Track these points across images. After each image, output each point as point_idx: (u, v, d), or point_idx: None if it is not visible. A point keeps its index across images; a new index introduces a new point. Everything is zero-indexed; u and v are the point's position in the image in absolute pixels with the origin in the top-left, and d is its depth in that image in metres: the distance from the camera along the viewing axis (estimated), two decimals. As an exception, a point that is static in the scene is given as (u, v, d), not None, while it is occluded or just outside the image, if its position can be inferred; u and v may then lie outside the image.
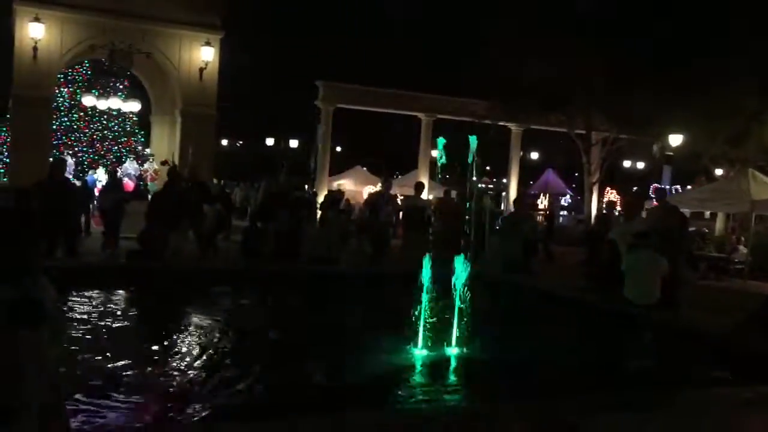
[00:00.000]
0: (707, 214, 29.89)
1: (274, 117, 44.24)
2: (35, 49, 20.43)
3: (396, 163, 41.51)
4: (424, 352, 6.42)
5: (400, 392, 5.36)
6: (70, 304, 7.29)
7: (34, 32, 20.35)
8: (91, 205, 17.76)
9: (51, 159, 19.04)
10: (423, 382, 5.81)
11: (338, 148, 39.51)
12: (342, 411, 4.22)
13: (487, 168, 57.41)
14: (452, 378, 6.00)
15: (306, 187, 30.72)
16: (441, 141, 7.77)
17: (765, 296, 10.15)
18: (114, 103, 24.13)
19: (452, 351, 6.53)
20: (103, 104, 24.22)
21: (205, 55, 22.72)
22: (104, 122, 27.13)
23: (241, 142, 54.80)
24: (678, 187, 34.57)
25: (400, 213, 13.20)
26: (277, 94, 43.93)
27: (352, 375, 5.55)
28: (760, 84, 20.41)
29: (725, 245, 19.00)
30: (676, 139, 22.88)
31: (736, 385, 5.50)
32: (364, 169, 37.26)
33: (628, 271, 8.33)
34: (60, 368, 3.82)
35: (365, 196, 21.40)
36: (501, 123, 30.09)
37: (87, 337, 6.33)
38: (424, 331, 6.53)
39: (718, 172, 26.95)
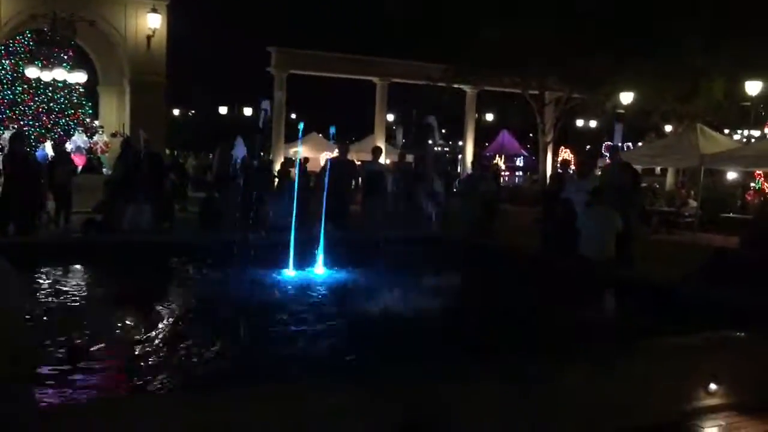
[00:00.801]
0: (658, 169, 30.64)
1: (227, 85, 43.57)
2: (-27, 20, 19.66)
3: (351, 128, 41.33)
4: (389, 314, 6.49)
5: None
6: (30, 280, 7.15)
7: (-29, 2, 19.55)
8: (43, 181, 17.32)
9: (7, 133, 18.51)
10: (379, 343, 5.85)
11: (293, 115, 39.11)
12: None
13: (443, 131, 57.56)
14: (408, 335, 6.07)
15: (262, 154, 30.41)
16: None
17: (713, 248, 10.52)
18: (59, 74, 23.40)
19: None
20: (47, 76, 23.46)
21: (152, 22, 22.16)
22: (50, 94, 26.31)
23: (193, 112, 53.85)
24: (629, 144, 35.20)
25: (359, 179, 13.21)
26: (229, 61, 43.20)
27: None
28: (706, 42, 20.80)
29: (675, 200, 19.52)
30: (627, 97, 23.26)
31: (686, 334, 5.71)
32: (320, 135, 37.00)
33: (583, 229, 8.52)
34: (25, 344, 3.79)
35: (322, 162, 21.29)
36: (455, 85, 30.16)
37: (50, 312, 6.26)
38: (387, 291, 6.61)
39: (668, 128, 27.53)
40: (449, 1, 25.13)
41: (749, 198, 21.43)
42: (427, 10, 26.45)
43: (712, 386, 4.76)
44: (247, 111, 40.02)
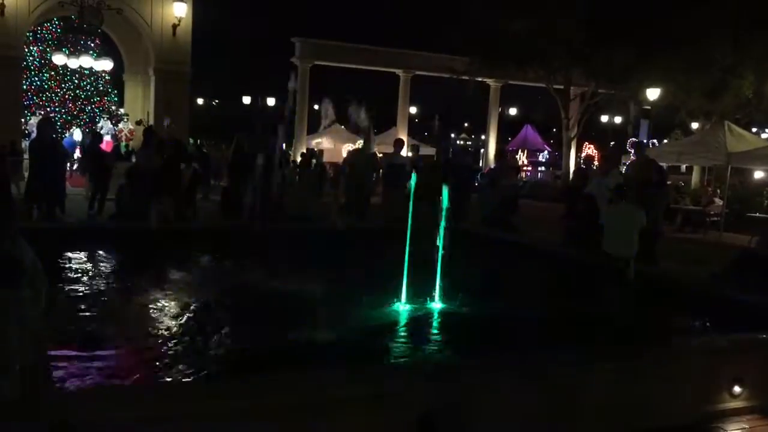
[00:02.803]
0: (683, 167, 30.20)
1: (250, 75, 43.70)
2: (2, 6, 19.88)
3: (375, 120, 41.25)
4: (407, 306, 6.47)
5: (383, 346, 5.41)
6: (55, 266, 7.22)
7: (0, -11, 19.77)
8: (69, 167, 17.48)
9: (34, 119, 18.70)
10: (406, 336, 5.85)
11: (316, 107, 39.09)
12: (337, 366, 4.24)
13: (466, 125, 57.31)
14: (434, 332, 6.05)
15: (284, 146, 30.47)
16: None
17: (739, 248, 10.35)
18: (85, 61, 23.60)
19: (434, 305, 6.58)
20: (74, 63, 23.68)
21: (178, 11, 22.25)
22: (76, 81, 26.64)
23: (216, 101, 54.07)
24: (655, 141, 34.77)
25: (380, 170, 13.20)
26: (253, 51, 43.30)
27: (343, 329, 5.59)
28: (735, 37, 20.44)
29: (701, 198, 19.22)
30: (653, 93, 22.92)
31: (711, 334, 5.62)
32: (343, 127, 36.98)
33: (607, 225, 8.40)
34: (43, 329, 3.81)
35: (344, 154, 21.29)
36: (479, 79, 29.97)
37: (73, 298, 6.30)
38: (406, 285, 6.57)
39: (695, 126, 27.12)
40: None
41: (777, 198, 21.03)
42: (452, 2, 26.33)
43: (737, 388, 4.67)
44: (270, 101, 40.07)
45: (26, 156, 13.87)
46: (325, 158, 29.29)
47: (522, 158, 44.11)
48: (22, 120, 22.90)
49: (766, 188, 22.05)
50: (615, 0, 22.64)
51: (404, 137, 30.07)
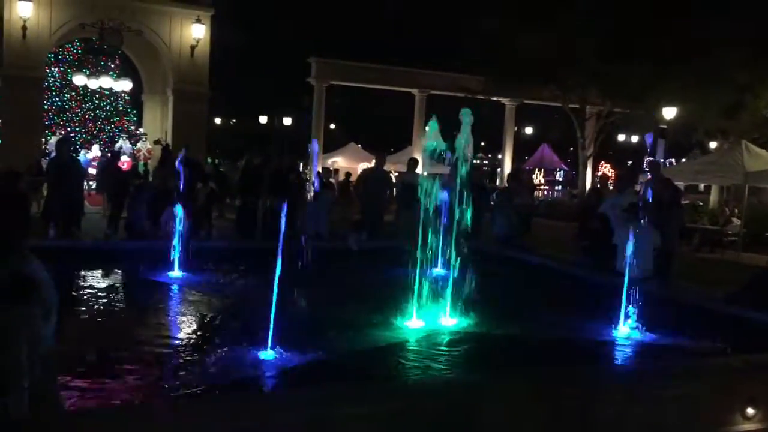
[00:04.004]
0: (702, 187, 29.98)
1: (267, 95, 44.03)
2: (24, 28, 20.22)
3: (390, 139, 41.39)
4: (419, 325, 6.45)
5: (394, 365, 5.40)
6: (67, 283, 7.29)
7: (23, 11, 20.13)
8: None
9: (54, 138, 18.96)
10: (419, 355, 5.82)
11: (332, 126, 39.35)
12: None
13: (482, 144, 57.29)
14: (447, 352, 6.02)
15: (300, 165, 30.65)
16: (433, 125, 7.30)
17: (757, 268, 10.24)
18: (105, 82, 24.00)
19: (448, 324, 6.56)
20: (94, 83, 24.09)
21: (196, 32, 22.55)
22: (96, 102, 27.06)
23: (234, 121, 54.49)
24: (672, 160, 34.56)
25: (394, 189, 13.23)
26: (270, 71, 43.66)
27: (350, 348, 5.60)
28: (753, 56, 20.34)
29: (718, 217, 19.05)
30: (670, 112, 22.82)
31: (726, 355, 5.56)
32: (359, 146, 37.17)
33: (620, 244, 8.36)
34: (53, 347, 3.84)
35: (359, 172, 21.35)
36: (495, 98, 30.01)
37: (86, 317, 6.36)
38: (418, 305, 6.56)
39: (713, 145, 26.94)
40: (489, 14, 25.01)
41: (796, 217, 20.78)
42: (467, 22, 26.44)
43: (750, 410, 4.60)
44: (287, 121, 40.35)
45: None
46: (341, 177, 29.42)
47: (538, 177, 44.04)
48: (43, 140, 23.24)
49: (784, 208, 21.83)
50: (631, 18, 22.57)
51: (419, 156, 30.10)
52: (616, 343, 6.20)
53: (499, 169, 37.41)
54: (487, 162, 56.12)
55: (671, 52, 21.49)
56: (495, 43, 24.49)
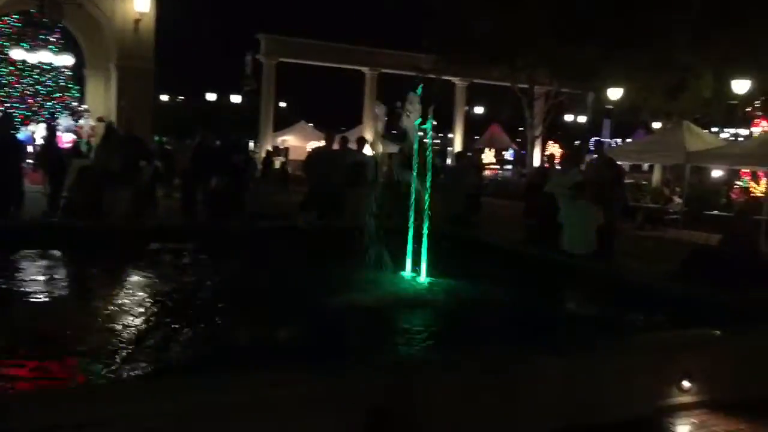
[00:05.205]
0: (646, 166, 30.71)
1: (215, 71, 43.30)
2: (-43, -1, 19.37)
3: (342, 118, 41.22)
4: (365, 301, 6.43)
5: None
6: (6, 265, 7.08)
7: (-44, -19, 19.28)
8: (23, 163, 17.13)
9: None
10: (364, 332, 5.82)
11: (282, 104, 38.91)
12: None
13: (433, 123, 57.44)
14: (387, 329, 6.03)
15: (252, 144, 30.24)
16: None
17: (694, 246, 10.55)
18: (45, 56, 23.22)
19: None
20: (33, 58, 23.28)
21: (140, 5, 21.93)
22: (36, 77, 26.15)
23: (182, 98, 53.46)
24: (618, 140, 35.22)
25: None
26: (219, 48, 42.91)
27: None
28: (694, 37, 20.79)
29: (661, 196, 19.56)
30: (615, 93, 23.25)
31: (661, 330, 5.71)
32: (311, 125, 36.89)
33: (565, 222, 8.50)
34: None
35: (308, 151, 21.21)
36: (445, 77, 30.08)
37: (25, 300, 6.17)
38: (365, 283, 6.57)
39: (656, 125, 27.58)
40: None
41: (734, 196, 21.50)
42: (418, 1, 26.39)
43: (686, 383, 4.74)
44: (235, 98, 39.79)
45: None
46: (291, 156, 29.19)
47: (489, 156, 44.43)
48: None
49: (723, 186, 22.54)
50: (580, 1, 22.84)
51: (369, 136, 30.04)
52: (558, 320, 6.31)
53: (449, 148, 37.62)
54: (438, 141, 56.33)
55: (618, 34, 21.82)
56: (446, 23, 24.53)
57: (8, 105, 24.88)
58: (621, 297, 6.53)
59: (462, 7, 24.32)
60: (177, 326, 5.46)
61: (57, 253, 7.91)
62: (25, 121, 24.54)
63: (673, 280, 7.12)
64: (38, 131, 22.58)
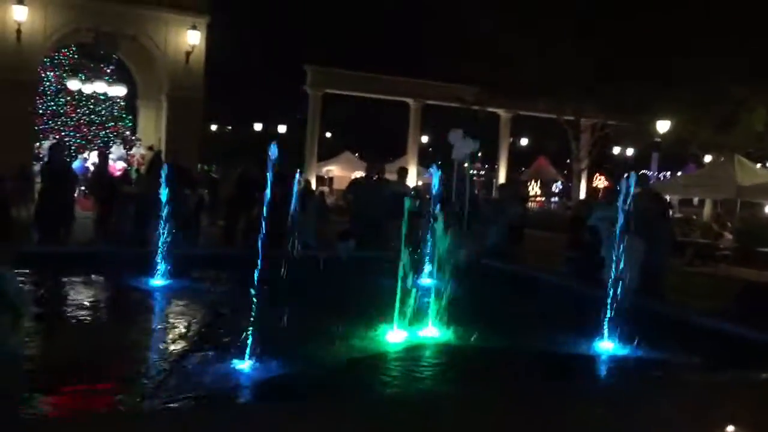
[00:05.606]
0: (696, 200, 30.02)
1: (262, 102, 44.10)
2: (19, 31, 20.21)
3: (388, 149, 41.43)
4: (404, 336, 6.35)
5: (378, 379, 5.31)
6: (48, 289, 7.21)
7: (18, 15, 20.15)
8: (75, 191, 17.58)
9: (48, 143, 18.91)
10: (404, 368, 5.72)
11: (328, 134, 39.33)
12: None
13: (479, 154, 57.37)
14: (433, 364, 5.93)
15: (299, 172, 30.53)
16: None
17: (744, 282, 10.20)
18: (100, 87, 23.98)
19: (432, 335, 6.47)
20: (88, 88, 24.07)
21: (192, 38, 22.56)
22: (91, 107, 26.97)
23: (229, 127, 54.51)
24: (668, 173, 34.54)
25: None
26: (265, 79, 43.79)
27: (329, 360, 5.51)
28: (748, 70, 20.40)
29: (711, 231, 19.03)
30: (664, 126, 22.86)
31: (713, 370, 5.49)
32: (355, 155, 37.20)
33: (608, 257, 8.30)
34: (21, 353, 3.77)
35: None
36: (490, 109, 30.06)
37: (66, 324, 6.26)
38: (402, 315, 6.47)
39: (707, 159, 27.00)
40: (486, 26, 25.06)
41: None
42: (464, 34, 26.50)
43: (730, 428, 4.53)
44: (282, 128, 40.40)
45: (38, 180, 14.02)
46: (336, 185, 29.41)
47: (535, 188, 44.10)
48: (36, 144, 23.17)
49: (777, 222, 21.82)
50: (626, 35, 22.63)
51: (414, 166, 30.15)
52: (597, 357, 6.13)
53: (494, 180, 37.45)
54: (483, 173, 56.17)
55: (667, 69, 21.54)
56: (492, 57, 24.56)
57: (64, 134, 25.69)
58: (666, 335, 6.32)
59: (508, 40, 24.31)
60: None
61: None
62: (80, 150, 25.28)
63: (723, 319, 6.86)
64: (91, 159, 23.23)
